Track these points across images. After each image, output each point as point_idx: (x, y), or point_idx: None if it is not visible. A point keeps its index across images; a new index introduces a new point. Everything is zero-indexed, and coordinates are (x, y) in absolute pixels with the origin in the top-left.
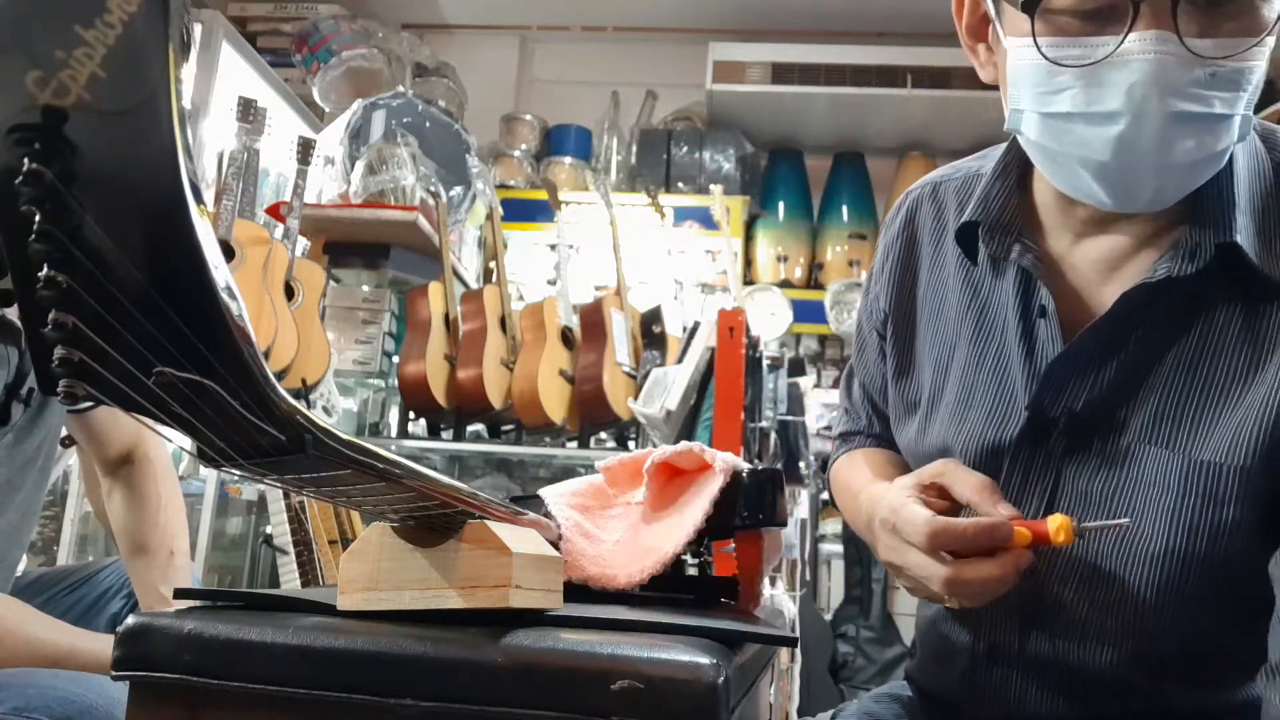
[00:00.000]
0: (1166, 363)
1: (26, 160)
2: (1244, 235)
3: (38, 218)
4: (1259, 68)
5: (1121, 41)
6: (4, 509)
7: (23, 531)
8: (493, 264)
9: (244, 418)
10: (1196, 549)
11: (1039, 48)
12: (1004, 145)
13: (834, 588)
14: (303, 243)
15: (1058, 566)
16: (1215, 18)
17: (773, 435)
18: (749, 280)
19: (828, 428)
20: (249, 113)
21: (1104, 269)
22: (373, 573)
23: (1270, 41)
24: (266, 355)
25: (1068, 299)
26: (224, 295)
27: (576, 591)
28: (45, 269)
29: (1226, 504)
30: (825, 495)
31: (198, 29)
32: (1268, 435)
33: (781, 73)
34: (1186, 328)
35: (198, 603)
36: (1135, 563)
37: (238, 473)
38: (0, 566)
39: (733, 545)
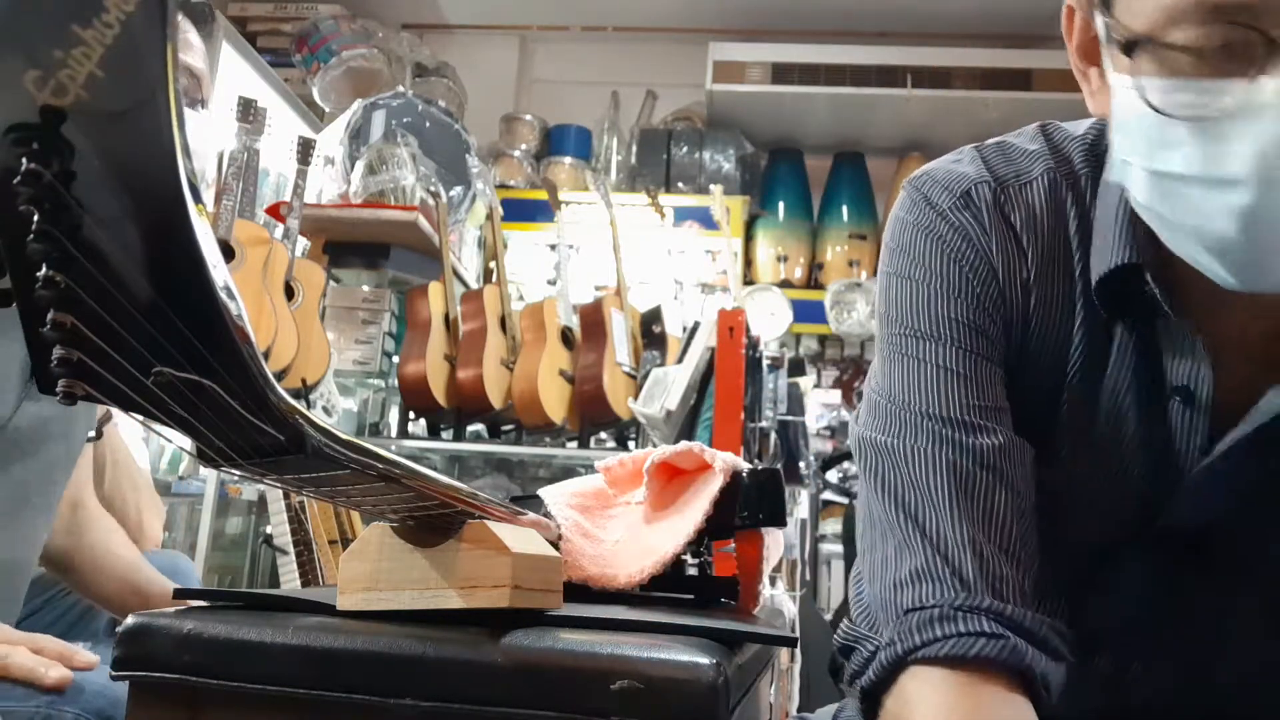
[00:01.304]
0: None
1: (25, 160)
2: None
3: (36, 217)
4: None
5: (1251, 86)
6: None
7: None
8: (493, 264)
9: (243, 418)
10: None
11: (1143, 93)
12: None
13: (834, 588)
14: (303, 243)
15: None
16: (1262, 63)
17: (773, 435)
18: (749, 280)
19: (828, 428)
20: (249, 113)
21: (1264, 348)
22: (372, 573)
23: None
24: (266, 355)
25: (1211, 378)
26: (223, 295)
27: (576, 591)
28: (44, 269)
29: None
30: (825, 495)
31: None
32: None
33: (781, 73)
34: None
35: (197, 603)
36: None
37: (237, 473)
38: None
39: (733, 545)
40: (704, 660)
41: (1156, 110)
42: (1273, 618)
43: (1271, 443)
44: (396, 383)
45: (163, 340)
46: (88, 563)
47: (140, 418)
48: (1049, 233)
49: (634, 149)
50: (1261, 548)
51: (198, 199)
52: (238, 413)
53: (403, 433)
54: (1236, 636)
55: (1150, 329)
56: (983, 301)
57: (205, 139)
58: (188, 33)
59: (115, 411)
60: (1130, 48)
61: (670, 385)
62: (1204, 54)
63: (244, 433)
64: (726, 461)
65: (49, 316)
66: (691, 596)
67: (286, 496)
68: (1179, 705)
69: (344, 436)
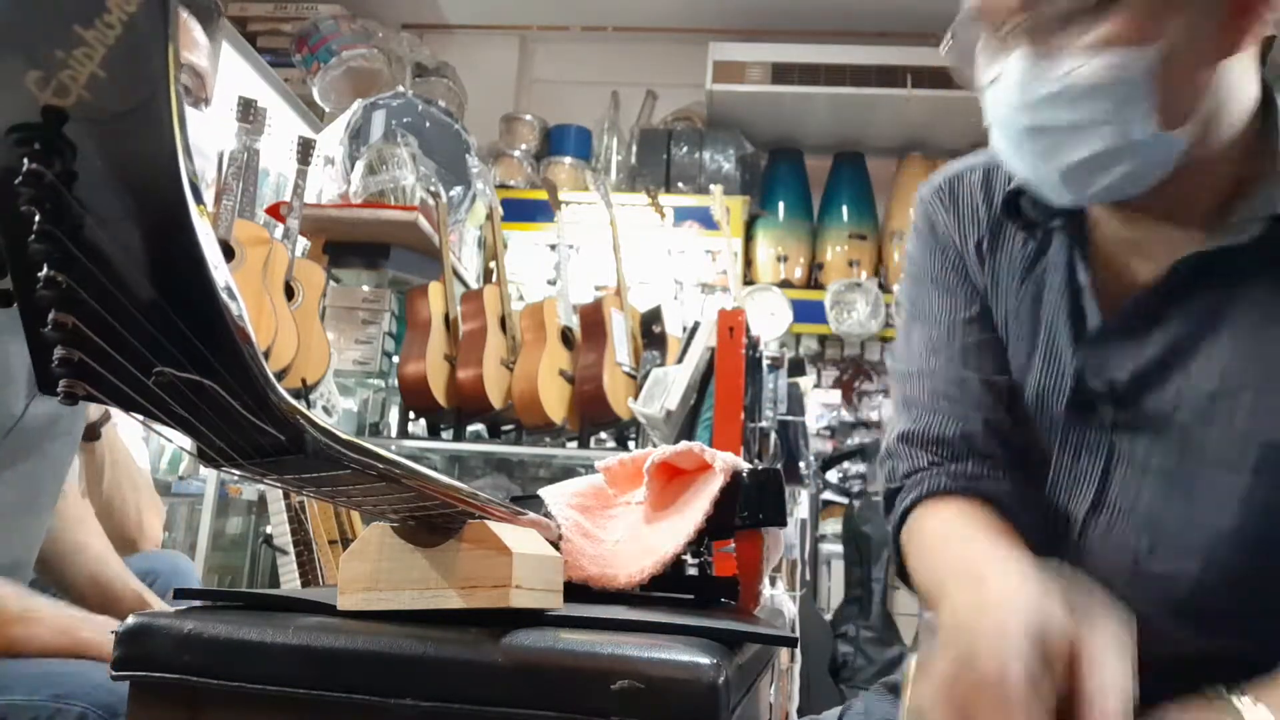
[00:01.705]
0: (1222, 338)
1: (26, 160)
2: None
3: (37, 218)
4: (1127, 76)
5: (1003, 67)
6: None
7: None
8: (493, 264)
9: (244, 418)
10: (1268, 533)
11: (970, 79)
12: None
13: (834, 588)
14: (303, 243)
15: (1111, 543)
16: (1067, 34)
17: (773, 435)
18: (749, 280)
19: (828, 428)
20: (249, 113)
21: (1142, 244)
22: (373, 573)
23: (1147, 48)
24: (266, 355)
25: (1115, 280)
26: (224, 295)
27: (576, 591)
28: (45, 269)
29: None
30: (825, 495)
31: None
32: None
33: (781, 73)
34: (1240, 303)
35: (198, 603)
36: (1201, 543)
37: (238, 473)
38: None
39: (733, 545)
40: (704, 660)
41: (979, 88)
42: (1207, 477)
43: (1153, 315)
44: (396, 383)
45: (164, 340)
46: (52, 550)
47: (141, 418)
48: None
49: (634, 149)
50: (1175, 412)
51: (199, 199)
52: (238, 413)
53: (403, 433)
54: (1147, 495)
55: (1068, 253)
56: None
57: (208, 138)
58: (193, 30)
59: (115, 411)
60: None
61: (670, 385)
62: (989, 45)
63: (244, 433)
64: (726, 461)
65: (50, 317)
66: (691, 596)
67: (286, 496)
68: (1147, 567)
69: (344, 436)
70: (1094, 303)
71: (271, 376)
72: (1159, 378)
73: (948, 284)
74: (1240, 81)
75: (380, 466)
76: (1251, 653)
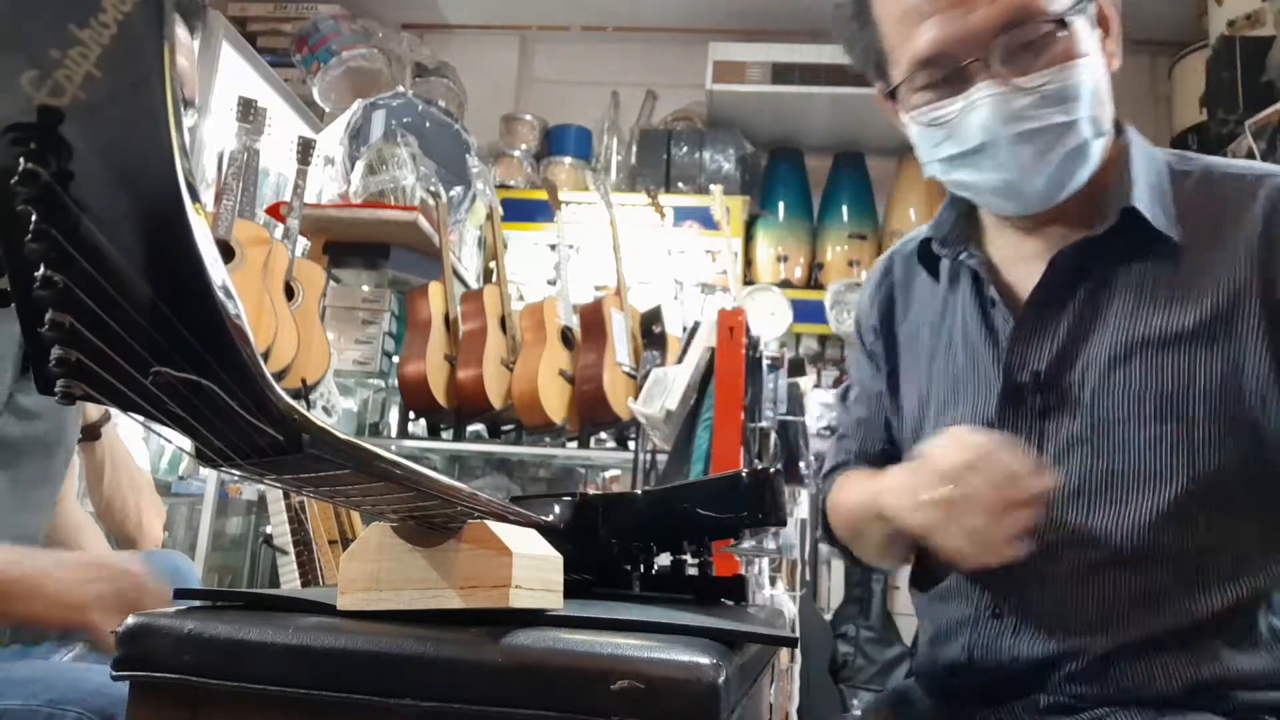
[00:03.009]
0: (1109, 315)
1: (22, 160)
2: (1141, 203)
3: (34, 217)
4: (1081, 81)
5: (965, 96)
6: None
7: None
8: (493, 264)
9: (242, 418)
10: (1178, 472)
11: (915, 121)
12: None
13: (834, 588)
14: (303, 243)
15: (1055, 511)
16: (1027, 58)
17: (773, 435)
18: (749, 280)
19: (828, 428)
20: (249, 113)
21: (1034, 252)
22: (373, 573)
23: (1085, 60)
24: (266, 355)
25: (1017, 290)
26: (221, 295)
27: (577, 591)
28: (42, 268)
29: (1197, 424)
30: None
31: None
32: (1225, 360)
33: (781, 73)
34: (1115, 284)
35: (198, 603)
36: (1127, 491)
37: (237, 473)
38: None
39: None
40: (704, 660)
41: (927, 125)
42: (1119, 433)
43: (1051, 304)
44: (396, 383)
45: (161, 340)
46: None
47: (139, 418)
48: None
49: (634, 149)
50: (1085, 384)
51: (195, 198)
52: (236, 413)
53: (403, 433)
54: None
55: (974, 276)
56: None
57: (193, 138)
58: (177, 28)
59: (114, 411)
60: (894, 94)
61: (670, 385)
62: (936, 85)
63: (242, 433)
64: None
65: (48, 316)
66: (691, 596)
67: (286, 496)
68: (1084, 523)
69: (343, 436)
70: (1004, 311)
71: (269, 376)
72: (1069, 359)
73: (864, 361)
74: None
75: (379, 466)
76: (1183, 588)
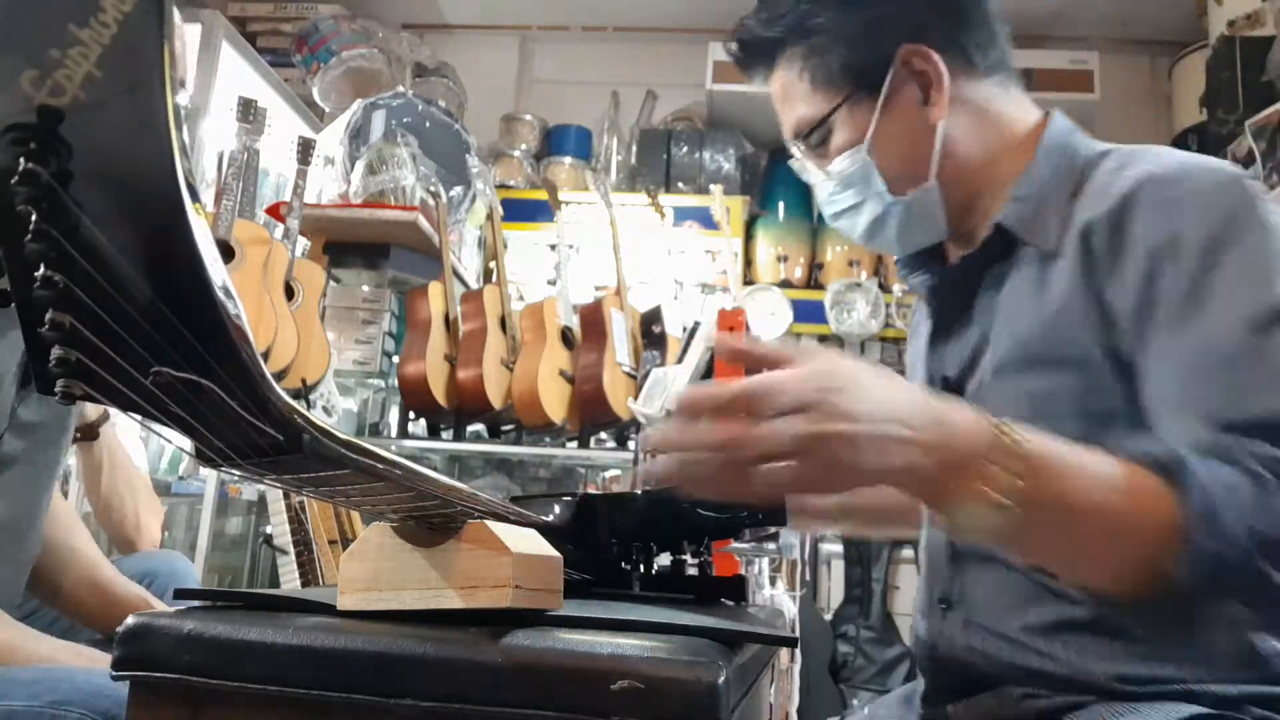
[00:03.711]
0: (997, 324)
1: (22, 160)
2: (1010, 217)
3: (34, 217)
4: (863, 163)
5: (810, 176)
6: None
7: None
8: (493, 264)
9: (242, 418)
10: None
11: (810, 179)
12: None
13: (834, 588)
14: (303, 243)
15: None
16: (823, 150)
17: None
18: (749, 280)
19: None
20: (249, 113)
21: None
22: (373, 573)
23: (871, 139)
24: (266, 355)
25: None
26: (221, 295)
27: (576, 591)
28: (42, 268)
29: (1064, 419)
30: None
31: (196, 29)
32: (1077, 371)
33: None
34: (1002, 294)
35: (198, 603)
36: None
37: (237, 473)
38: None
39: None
40: (704, 660)
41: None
42: None
43: (947, 314)
44: (396, 383)
45: (161, 340)
46: (43, 561)
47: (139, 418)
48: None
49: (634, 149)
50: (981, 386)
51: (196, 199)
52: (236, 413)
53: (403, 433)
54: None
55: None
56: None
57: (188, 115)
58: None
59: (113, 411)
60: (788, 157)
61: (670, 385)
62: (807, 154)
63: (243, 432)
64: None
65: (48, 316)
66: (691, 596)
67: (286, 496)
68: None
69: (343, 436)
70: (929, 321)
71: (269, 376)
72: (972, 367)
73: None
74: (972, 135)
75: (379, 467)
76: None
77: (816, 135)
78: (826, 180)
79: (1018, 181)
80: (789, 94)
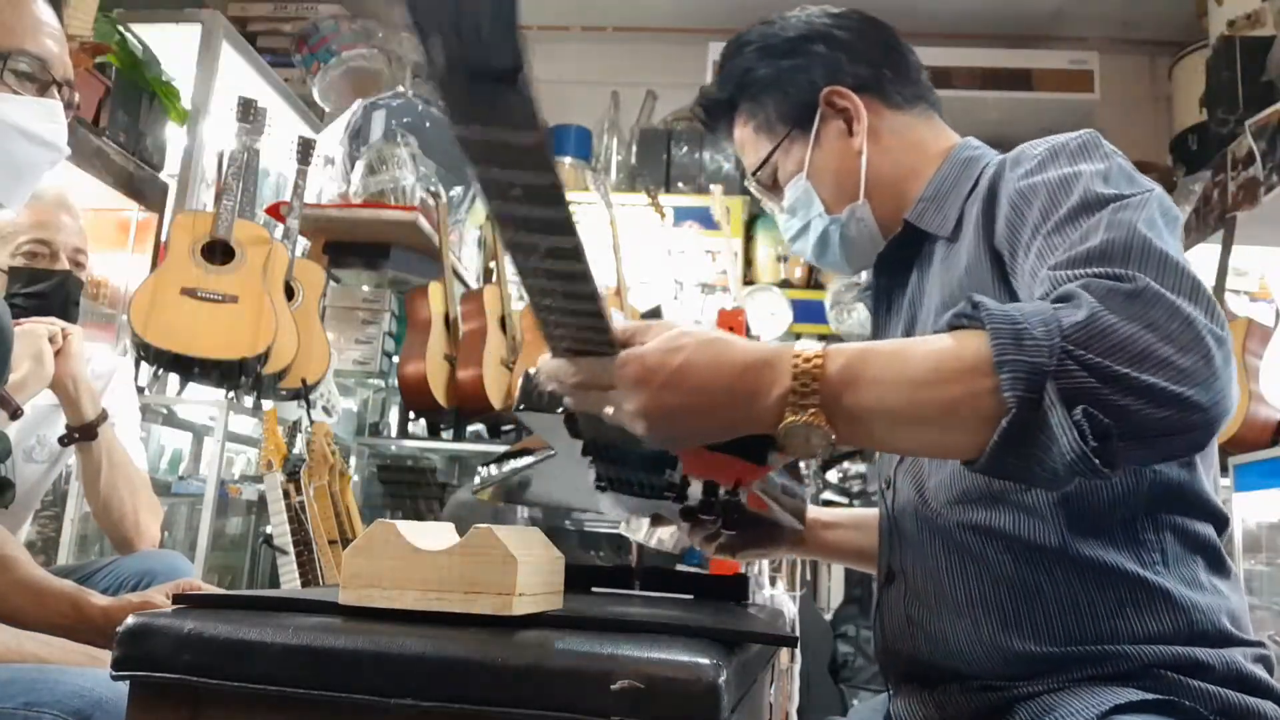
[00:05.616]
0: (921, 311)
1: None
2: (914, 214)
3: None
4: (804, 190)
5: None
6: None
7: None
8: (493, 264)
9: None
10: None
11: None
12: None
13: (834, 588)
14: (303, 243)
15: (900, 493)
16: (775, 184)
17: None
18: (749, 280)
19: None
20: (249, 113)
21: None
22: (376, 570)
23: (810, 168)
24: (267, 356)
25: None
26: None
27: (577, 590)
28: None
29: None
30: (825, 495)
31: (196, 29)
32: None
33: None
34: (924, 282)
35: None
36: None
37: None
38: None
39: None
40: (704, 660)
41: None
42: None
43: (886, 302)
44: (396, 383)
45: None
46: None
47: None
48: None
49: (634, 149)
50: None
51: None
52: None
53: (403, 433)
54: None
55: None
56: None
57: (58, 130)
58: (38, 12)
59: (112, 412)
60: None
61: None
62: (762, 193)
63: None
64: None
65: None
66: (691, 596)
67: (286, 497)
68: (912, 482)
69: None
70: (871, 317)
71: None
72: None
73: None
74: (894, 157)
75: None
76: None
77: (764, 173)
78: (781, 212)
79: (923, 187)
80: (744, 143)
